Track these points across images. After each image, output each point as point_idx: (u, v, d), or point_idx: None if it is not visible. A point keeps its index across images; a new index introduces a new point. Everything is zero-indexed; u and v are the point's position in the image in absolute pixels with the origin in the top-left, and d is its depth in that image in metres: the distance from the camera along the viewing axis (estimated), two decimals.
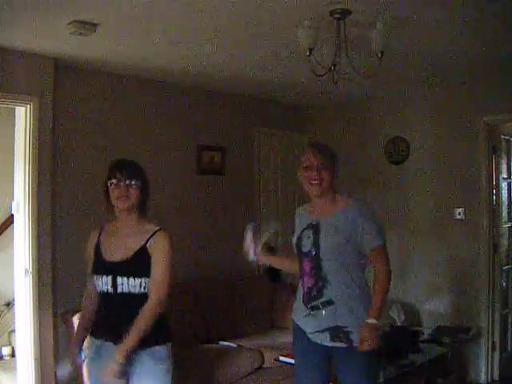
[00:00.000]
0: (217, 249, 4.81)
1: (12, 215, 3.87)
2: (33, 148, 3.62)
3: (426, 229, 4.85)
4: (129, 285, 2.28)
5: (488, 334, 4.48)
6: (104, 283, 2.31)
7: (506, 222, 4.88)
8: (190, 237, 4.57)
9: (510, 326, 4.90)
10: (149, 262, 2.31)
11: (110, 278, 2.30)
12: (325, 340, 2.44)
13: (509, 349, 4.85)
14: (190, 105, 4.71)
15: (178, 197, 4.56)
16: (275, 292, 4.95)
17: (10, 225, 4.39)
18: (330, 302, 2.42)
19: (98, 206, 4.05)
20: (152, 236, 2.34)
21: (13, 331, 4.35)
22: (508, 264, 4.89)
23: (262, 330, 4.60)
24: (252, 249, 2.73)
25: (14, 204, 3.69)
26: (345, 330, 2.39)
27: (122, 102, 4.22)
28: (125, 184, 2.34)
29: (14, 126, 3.69)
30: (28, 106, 3.59)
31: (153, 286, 2.28)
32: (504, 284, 4.81)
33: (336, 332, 2.41)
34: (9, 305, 4.60)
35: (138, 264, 2.31)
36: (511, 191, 4.98)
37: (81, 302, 2.53)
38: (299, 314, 2.56)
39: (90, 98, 4.01)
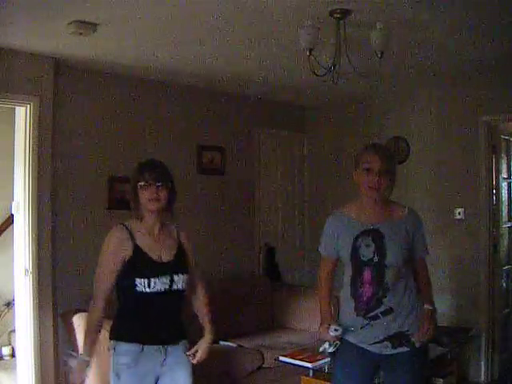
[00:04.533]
0: (217, 249, 4.81)
1: (12, 215, 3.87)
2: (33, 148, 3.61)
3: (426, 229, 4.84)
4: (181, 282, 2.40)
5: (488, 333, 4.49)
6: (160, 283, 2.34)
7: (506, 222, 4.88)
8: (189, 236, 4.56)
9: (510, 326, 4.90)
10: (186, 258, 2.52)
11: (168, 277, 2.36)
12: (385, 349, 2.36)
13: (509, 349, 4.85)
14: (190, 105, 4.71)
15: (178, 197, 4.55)
16: (275, 292, 4.95)
17: (9, 225, 4.39)
18: (390, 311, 2.35)
19: (98, 206, 4.08)
20: (178, 234, 2.54)
21: (13, 331, 4.34)
22: (508, 264, 4.89)
23: (262, 329, 4.60)
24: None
25: (14, 204, 3.69)
26: (406, 333, 2.36)
27: (121, 102, 4.21)
28: (155, 185, 2.36)
29: (14, 126, 3.69)
30: (28, 105, 3.59)
31: (197, 276, 2.60)
32: (504, 284, 4.81)
33: (398, 338, 2.35)
34: (9, 305, 4.60)
35: (182, 260, 2.48)
36: (511, 191, 4.98)
37: (91, 311, 2.40)
38: (348, 327, 2.42)
39: (89, 97, 4.01)
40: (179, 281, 2.39)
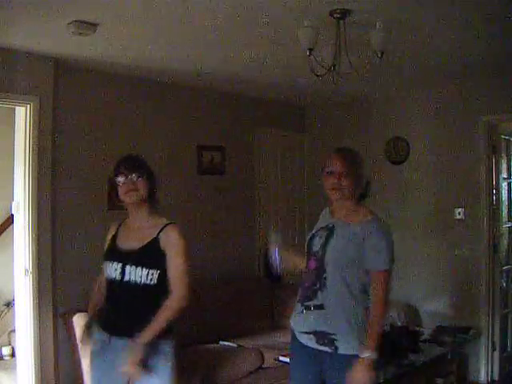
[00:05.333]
0: (217, 248, 4.82)
1: (12, 215, 3.87)
2: (33, 148, 3.61)
3: (426, 229, 4.85)
4: (136, 274, 2.33)
5: (488, 333, 4.49)
6: (113, 270, 2.39)
7: (506, 222, 4.88)
8: (189, 237, 4.54)
9: (510, 326, 4.90)
10: (159, 254, 2.37)
11: (119, 265, 2.37)
12: (310, 342, 2.41)
13: (509, 349, 4.85)
14: (189, 105, 4.71)
15: (178, 197, 4.55)
16: (275, 292, 4.95)
17: (10, 225, 4.39)
18: (321, 307, 2.38)
19: (98, 206, 4.07)
20: (163, 229, 2.41)
21: (13, 331, 4.34)
22: (508, 264, 4.89)
23: (261, 329, 4.60)
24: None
25: (14, 204, 3.69)
26: (331, 336, 2.34)
27: (121, 102, 4.21)
28: (131, 178, 2.40)
29: (14, 126, 3.69)
30: (28, 105, 3.59)
31: (174, 280, 2.36)
32: (504, 284, 4.81)
33: (322, 336, 2.37)
34: (9, 305, 4.60)
35: (148, 255, 2.37)
36: (511, 191, 4.98)
37: (91, 291, 2.59)
38: (294, 312, 2.56)
39: (89, 97, 4.01)
40: (132, 273, 2.33)
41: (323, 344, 2.37)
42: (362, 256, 2.34)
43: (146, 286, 2.33)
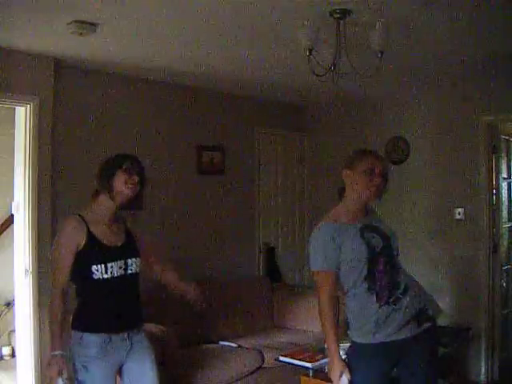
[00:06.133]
0: (217, 248, 4.82)
1: (12, 215, 3.87)
2: (33, 148, 3.61)
3: (426, 229, 4.85)
4: (136, 265, 2.51)
5: (488, 333, 4.49)
6: (116, 268, 2.42)
7: (506, 222, 4.88)
8: (189, 237, 4.57)
9: (509, 326, 4.90)
10: (135, 242, 2.59)
11: (122, 261, 2.45)
12: (414, 328, 2.37)
13: (509, 349, 4.85)
14: (190, 105, 4.71)
15: (177, 197, 4.56)
16: (275, 292, 4.95)
17: (9, 225, 4.39)
18: (406, 287, 2.40)
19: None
20: (124, 220, 2.62)
21: (13, 331, 4.34)
22: (508, 264, 4.89)
23: (261, 329, 4.60)
24: None
25: (13, 204, 3.69)
26: (427, 310, 2.42)
27: (121, 102, 4.21)
28: (138, 176, 2.48)
29: (14, 126, 3.69)
30: (28, 105, 3.58)
31: (156, 257, 2.72)
32: (504, 284, 4.81)
33: (422, 314, 2.40)
34: (9, 305, 4.60)
35: (133, 245, 2.57)
36: (511, 191, 4.98)
37: (52, 305, 2.41)
38: (372, 323, 2.38)
39: (89, 97, 4.01)
40: (133, 264, 2.49)
41: (424, 321, 2.40)
42: None
43: (136, 274, 2.53)
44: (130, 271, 2.48)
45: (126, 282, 2.48)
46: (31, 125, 3.60)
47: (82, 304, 2.47)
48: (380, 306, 2.35)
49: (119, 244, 2.50)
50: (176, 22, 3.09)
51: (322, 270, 2.39)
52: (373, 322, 2.36)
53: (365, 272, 2.38)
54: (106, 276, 2.38)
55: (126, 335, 2.45)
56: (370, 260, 2.38)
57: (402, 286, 2.38)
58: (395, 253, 2.46)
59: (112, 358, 2.42)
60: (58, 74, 3.75)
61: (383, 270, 2.38)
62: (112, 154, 2.56)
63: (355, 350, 2.44)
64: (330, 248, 2.38)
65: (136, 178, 2.47)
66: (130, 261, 2.48)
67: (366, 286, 2.38)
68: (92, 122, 4.03)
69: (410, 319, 2.36)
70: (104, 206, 2.47)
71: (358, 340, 2.41)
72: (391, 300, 2.36)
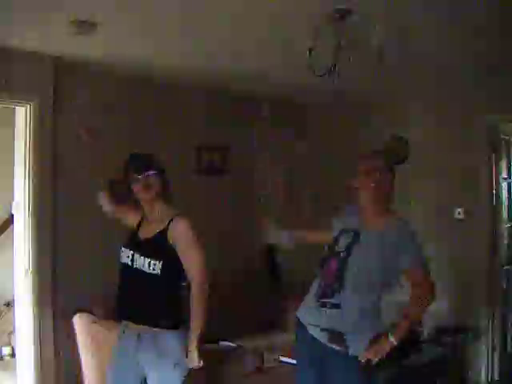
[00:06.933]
0: (217, 248, 4.81)
1: (12, 215, 3.87)
2: (33, 148, 3.62)
3: (426, 229, 4.85)
4: (140, 263, 2.47)
5: (488, 333, 4.48)
6: (126, 256, 2.52)
7: (506, 222, 4.88)
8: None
9: (510, 326, 4.90)
10: (164, 246, 2.48)
11: (131, 252, 2.51)
12: (322, 338, 2.46)
13: (509, 349, 4.85)
14: (189, 105, 4.71)
15: (177, 197, 4.55)
16: (275, 292, 4.95)
17: (10, 225, 4.39)
18: (337, 306, 2.42)
19: (98, 207, 4.06)
20: (171, 222, 2.53)
21: (13, 331, 4.34)
22: (508, 264, 4.89)
23: (262, 330, 4.60)
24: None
25: (14, 204, 3.69)
26: (344, 337, 2.40)
27: (121, 102, 4.21)
28: (145, 175, 2.52)
29: (14, 126, 3.69)
30: (28, 106, 3.59)
31: (192, 271, 2.51)
32: (504, 284, 4.81)
33: (334, 335, 2.42)
34: (9, 305, 4.60)
35: (152, 246, 2.50)
36: (511, 191, 4.98)
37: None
38: (306, 306, 2.60)
39: (89, 97, 4.01)
40: (140, 261, 2.47)
41: (335, 342, 2.41)
42: (392, 260, 2.47)
43: (150, 275, 2.45)
44: (135, 265, 2.49)
45: (134, 274, 2.49)
46: (31, 125, 3.60)
47: None
48: (314, 296, 2.54)
49: (141, 238, 2.56)
50: (176, 22, 3.09)
51: None
52: (306, 304, 2.61)
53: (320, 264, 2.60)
54: (121, 260, 2.53)
55: (135, 334, 2.48)
56: (329, 251, 2.58)
57: (335, 301, 2.43)
58: (349, 272, 2.43)
59: (122, 349, 2.52)
60: (58, 74, 3.75)
61: (331, 271, 2.50)
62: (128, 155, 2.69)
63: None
64: None
65: (140, 183, 2.52)
66: (136, 256, 2.49)
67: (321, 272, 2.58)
68: (92, 121, 4.02)
69: (323, 329, 2.45)
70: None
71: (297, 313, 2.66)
72: (320, 300, 2.50)
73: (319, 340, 2.47)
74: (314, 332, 2.50)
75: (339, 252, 2.51)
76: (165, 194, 2.62)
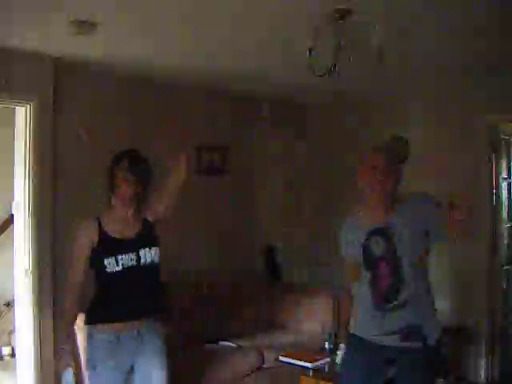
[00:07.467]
0: (216, 249, 4.82)
1: (12, 215, 3.87)
2: (33, 148, 3.61)
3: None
4: (151, 255, 2.52)
5: (488, 333, 4.48)
6: (128, 260, 2.47)
7: (506, 222, 4.87)
8: (189, 237, 4.57)
9: (510, 326, 4.90)
10: (153, 232, 2.62)
11: (133, 253, 2.49)
12: (394, 341, 2.41)
13: (509, 349, 4.85)
14: (189, 105, 4.71)
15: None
16: (275, 292, 4.95)
17: (10, 225, 4.39)
18: (405, 303, 2.41)
19: (98, 206, 4.06)
20: (143, 212, 2.65)
21: (13, 331, 4.34)
22: (508, 264, 4.89)
23: (262, 329, 4.60)
24: None
25: (14, 204, 3.69)
26: (421, 329, 2.41)
27: (121, 102, 4.21)
28: (137, 174, 2.53)
29: (14, 126, 3.68)
30: (28, 106, 3.58)
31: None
32: (504, 284, 4.81)
33: (410, 332, 2.40)
34: (9, 305, 4.60)
35: (149, 234, 2.59)
36: (511, 191, 4.98)
37: (64, 301, 2.56)
38: (362, 320, 2.53)
39: (89, 97, 4.01)
40: (146, 254, 2.51)
41: (412, 339, 2.39)
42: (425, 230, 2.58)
43: (156, 264, 2.54)
44: (143, 262, 2.50)
45: (139, 273, 2.50)
46: (31, 125, 3.60)
47: (96, 297, 2.52)
48: (374, 308, 2.46)
49: (133, 235, 2.55)
50: (176, 22, 3.09)
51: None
52: (362, 319, 2.53)
53: (364, 273, 2.50)
54: (117, 268, 2.45)
55: (135, 332, 2.47)
56: (366, 263, 2.50)
57: (402, 299, 2.41)
58: (403, 260, 2.43)
59: (121, 359, 2.45)
60: (58, 74, 3.75)
61: (384, 276, 2.45)
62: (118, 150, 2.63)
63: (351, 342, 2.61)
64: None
65: (131, 177, 2.50)
66: (142, 251, 2.50)
67: (366, 285, 2.49)
68: (91, 121, 4.03)
69: (396, 331, 2.40)
70: (116, 202, 2.57)
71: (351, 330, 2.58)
72: (383, 308, 2.44)
73: (388, 345, 2.42)
74: (382, 340, 2.43)
75: (381, 253, 2.46)
76: (144, 195, 2.63)
